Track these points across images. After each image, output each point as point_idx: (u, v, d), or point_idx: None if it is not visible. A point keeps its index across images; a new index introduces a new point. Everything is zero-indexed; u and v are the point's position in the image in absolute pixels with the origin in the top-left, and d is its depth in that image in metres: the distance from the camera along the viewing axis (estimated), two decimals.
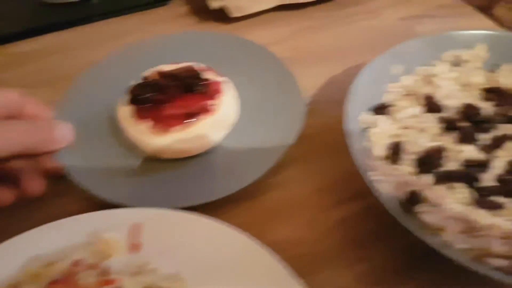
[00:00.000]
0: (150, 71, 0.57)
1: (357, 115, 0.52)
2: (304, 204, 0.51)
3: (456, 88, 0.57)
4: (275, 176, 0.53)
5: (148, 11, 0.79)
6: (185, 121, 0.51)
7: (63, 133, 0.41)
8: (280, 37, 0.74)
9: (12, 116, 0.41)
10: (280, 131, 0.54)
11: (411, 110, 0.54)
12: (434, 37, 0.58)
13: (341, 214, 0.50)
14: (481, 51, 0.59)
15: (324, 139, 0.57)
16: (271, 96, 0.59)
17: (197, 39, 0.67)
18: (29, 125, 0.39)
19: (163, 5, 0.80)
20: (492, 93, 0.56)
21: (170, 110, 0.52)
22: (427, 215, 0.43)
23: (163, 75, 0.56)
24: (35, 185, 0.44)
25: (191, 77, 0.55)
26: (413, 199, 0.44)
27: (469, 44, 0.59)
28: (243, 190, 0.48)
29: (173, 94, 0.53)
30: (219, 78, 0.57)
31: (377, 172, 0.46)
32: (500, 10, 0.77)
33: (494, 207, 0.45)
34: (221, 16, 0.74)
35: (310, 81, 0.65)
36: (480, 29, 0.60)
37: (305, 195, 0.52)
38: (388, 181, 0.46)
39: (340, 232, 0.49)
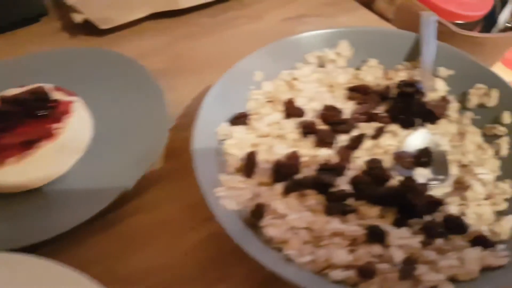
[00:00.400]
0: None
1: (215, 127, 0.50)
2: (165, 227, 0.48)
3: (321, 90, 0.55)
4: (137, 198, 0.49)
5: (18, 30, 0.74)
6: (22, 151, 0.47)
7: None
8: (157, 47, 0.71)
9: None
10: (140, 152, 0.50)
11: (271, 117, 0.52)
12: (294, 38, 0.57)
13: (202, 234, 0.47)
14: (344, 49, 0.57)
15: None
16: (134, 113, 0.55)
17: (55, 57, 0.62)
18: None
19: (35, 22, 0.75)
20: (356, 91, 0.55)
21: (5, 140, 0.48)
22: (270, 228, 0.41)
23: (4, 100, 0.52)
24: None
25: (36, 100, 0.51)
26: (257, 213, 0.42)
27: (332, 43, 0.58)
28: (97, 219, 0.45)
29: (14, 121, 0.49)
30: (68, 98, 0.53)
31: (223, 188, 0.44)
32: (380, 4, 0.77)
33: (343, 212, 0.43)
34: (94, 30, 0.71)
35: (187, 91, 0.62)
36: (351, 25, 0.59)
37: (166, 217, 0.49)
38: (236, 196, 0.44)
39: (201, 252, 0.46)
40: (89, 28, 0.70)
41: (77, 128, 0.51)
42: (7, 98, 0.51)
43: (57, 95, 0.53)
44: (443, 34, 0.61)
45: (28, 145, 0.47)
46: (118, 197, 0.46)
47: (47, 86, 0.53)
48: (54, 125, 0.49)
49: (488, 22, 0.77)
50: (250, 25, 0.75)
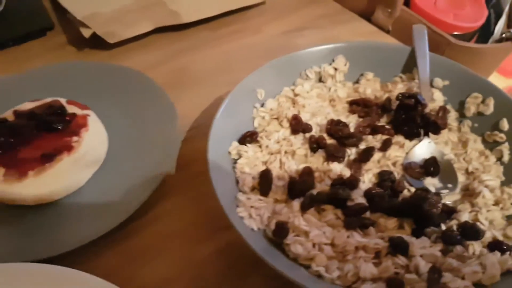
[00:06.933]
0: (6, 112, 0.52)
1: (228, 145, 0.50)
2: (179, 238, 0.48)
3: (323, 105, 0.57)
4: (149, 211, 0.50)
5: (25, 44, 0.73)
6: (42, 164, 0.46)
7: None
8: (163, 60, 0.70)
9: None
10: (154, 164, 0.50)
11: (279, 134, 0.53)
12: (293, 55, 0.58)
13: (215, 245, 0.47)
14: (341, 64, 0.59)
15: (200, 167, 0.54)
16: (146, 125, 0.55)
17: (65, 71, 0.61)
18: None
19: (42, 36, 0.74)
20: (356, 105, 0.56)
21: (24, 153, 0.47)
22: (294, 246, 0.42)
23: (19, 114, 0.51)
24: None
25: (51, 114, 0.50)
26: (280, 231, 0.43)
27: (330, 57, 0.59)
28: (113, 232, 0.45)
29: (30, 135, 0.48)
30: (83, 112, 0.52)
31: (243, 208, 0.44)
32: (379, 16, 0.79)
33: (363, 226, 0.44)
34: (100, 43, 0.70)
35: (192, 104, 0.62)
36: (349, 37, 0.60)
37: (180, 228, 0.49)
38: (255, 215, 0.44)
39: (216, 263, 0.46)
40: (94, 42, 0.70)
41: (94, 141, 0.51)
42: (22, 112, 0.51)
43: (71, 109, 0.52)
44: (442, 45, 0.64)
45: (48, 158, 0.47)
46: (134, 211, 0.46)
47: (61, 100, 0.53)
48: (72, 138, 0.49)
49: (484, 33, 0.81)
50: (251, 38, 0.76)
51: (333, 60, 0.59)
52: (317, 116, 0.55)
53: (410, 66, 0.59)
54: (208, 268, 0.46)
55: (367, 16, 0.80)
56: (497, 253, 0.40)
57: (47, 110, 0.51)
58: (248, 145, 0.51)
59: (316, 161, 0.50)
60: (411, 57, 0.58)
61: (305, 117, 0.54)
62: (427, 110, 0.53)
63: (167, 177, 0.49)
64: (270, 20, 0.80)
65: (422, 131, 0.52)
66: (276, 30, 0.78)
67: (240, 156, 0.50)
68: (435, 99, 0.55)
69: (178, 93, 0.61)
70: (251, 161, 0.50)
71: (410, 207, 0.44)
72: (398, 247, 0.41)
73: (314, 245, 0.42)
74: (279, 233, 0.43)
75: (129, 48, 0.73)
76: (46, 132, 0.49)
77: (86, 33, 0.68)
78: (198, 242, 0.48)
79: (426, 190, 0.46)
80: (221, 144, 0.49)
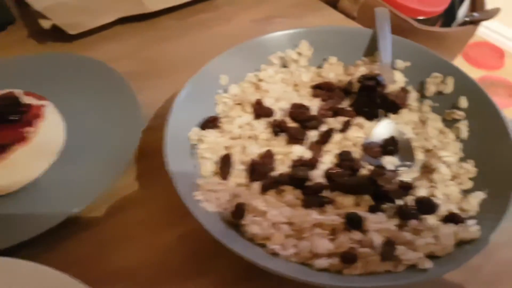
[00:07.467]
0: None
1: (187, 131, 0.50)
2: (144, 227, 0.48)
3: (287, 90, 0.57)
4: (114, 199, 0.50)
5: None
6: None
7: None
8: (128, 51, 0.69)
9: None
10: (113, 154, 0.50)
11: (242, 119, 0.53)
12: (256, 41, 0.58)
13: (180, 231, 0.47)
14: (304, 49, 0.59)
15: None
16: (106, 115, 0.55)
17: (25, 63, 0.61)
18: None
19: (2, 30, 0.74)
20: (320, 89, 0.57)
21: None
22: (251, 226, 0.42)
23: None
24: None
25: (5, 106, 0.50)
26: (238, 212, 0.43)
27: (293, 43, 0.59)
28: (74, 222, 0.45)
29: None
30: (39, 102, 0.52)
31: (201, 192, 0.44)
32: (344, 3, 0.79)
33: (321, 204, 0.44)
34: (63, 36, 0.70)
35: (158, 94, 0.62)
36: (317, 25, 0.60)
37: (145, 217, 0.49)
38: (214, 198, 0.44)
39: (181, 248, 0.46)
40: (58, 35, 0.70)
41: (49, 132, 0.51)
42: None
43: (28, 100, 0.52)
44: (406, 30, 0.64)
45: (1, 149, 0.46)
46: (93, 201, 0.46)
47: (17, 91, 0.53)
48: (26, 129, 0.48)
49: (448, 17, 0.81)
50: (220, 27, 0.76)
51: (297, 46, 0.59)
52: (281, 101, 0.55)
53: (372, 49, 0.59)
54: (173, 254, 0.46)
55: (334, 4, 0.80)
56: (452, 225, 0.41)
57: (1, 102, 0.50)
58: (209, 130, 0.51)
59: (278, 145, 0.51)
60: (373, 40, 0.59)
61: (269, 102, 0.54)
62: (387, 90, 0.53)
63: (131, 166, 0.49)
64: (240, 9, 0.80)
65: (382, 112, 0.52)
66: (245, 19, 0.78)
67: (201, 142, 0.50)
68: (397, 81, 0.55)
69: (144, 83, 0.61)
70: (213, 146, 0.50)
71: (366, 184, 0.45)
72: (353, 222, 0.41)
73: (272, 225, 0.42)
74: (238, 214, 0.43)
75: (94, 39, 0.72)
76: (0, 123, 0.49)
77: (46, 24, 0.67)
78: (163, 229, 0.47)
79: (382, 167, 0.46)
80: (182, 130, 0.50)
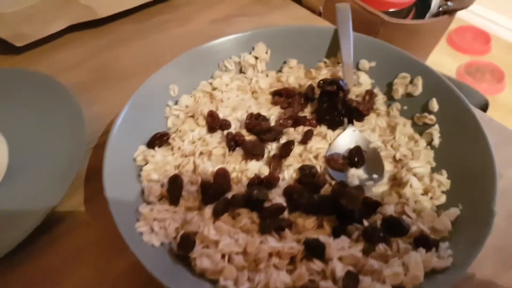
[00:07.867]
0: None
1: (134, 150, 0.45)
2: (94, 252, 0.43)
3: (244, 98, 0.52)
4: (62, 222, 0.45)
5: None
6: None
7: None
8: (80, 60, 0.65)
9: None
10: (57, 175, 0.45)
11: (194, 134, 0.48)
12: (207, 46, 0.53)
13: (133, 258, 0.43)
14: (262, 52, 0.54)
15: None
16: (50, 134, 0.50)
17: None
18: None
19: None
20: (279, 95, 0.52)
21: None
22: (201, 259, 0.37)
23: None
24: None
25: None
26: (185, 244, 0.38)
27: (249, 46, 0.54)
28: (20, 248, 0.41)
29: None
30: None
31: (144, 222, 0.39)
32: None
33: (278, 228, 0.40)
34: (10, 48, 0.64)
35: (114, 103, 0.56)
36: (281, 23, 0.55)
37: (89, 244, 0.44)
38: (160, 228, 0.40)
39: (134, 278, 0.41)
40: (4, 47, 0.64)
41: None
42: None
43: None
44: (376, 24, 0.60)
45: None
46: (35, 227, 0.41)
47: None
48: None
49: (422, 7, 0.76)
50: (179, 28, 0.71)
51: (253, 48, 0.54)
52: (238, 111, 0.50)
53: (335, 50, 0.54)
54: (125, 284, 0.41)
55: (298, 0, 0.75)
56: (422, 250, 0.36)
57: None
58: (157, 148, 0.46)
59: (234, 161, 0.46)
60: (336, 39, 0.54)
61: (224, 112, 0.50)
62: (350, 95, 0.48)
63: (79, 187, 0.46)
64: (199, 8, 0.76)
65: (345, 120, 0.48)
66: (205, 19, 0.73)
67: (146, 162, 0.45)
68: (362, 83, 0.51)
69: (97, 93, 0.57)
70: (160, 166, 0.45)
71: (328, 203, 0.40)
72: (313, 250, 0.37)
73: (223, 256, 0.37)
74: (184, 247, 0.38)
75: (44, 50, 0.67)
76: None
77: None
78: (114, 256, 0.43)
79: (345, 184, 0.41)
80: (126, 150, 0.45)
